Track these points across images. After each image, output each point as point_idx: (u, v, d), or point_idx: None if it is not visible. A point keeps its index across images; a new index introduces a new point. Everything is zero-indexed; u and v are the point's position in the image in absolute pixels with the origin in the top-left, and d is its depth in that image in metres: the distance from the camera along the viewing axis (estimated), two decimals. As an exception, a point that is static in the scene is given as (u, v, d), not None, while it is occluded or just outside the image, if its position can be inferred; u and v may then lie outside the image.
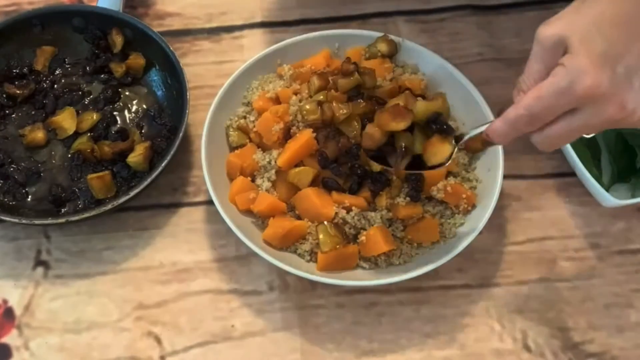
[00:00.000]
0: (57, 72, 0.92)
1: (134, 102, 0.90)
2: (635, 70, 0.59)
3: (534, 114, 0.61)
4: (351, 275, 0.76)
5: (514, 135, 0.64)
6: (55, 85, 0.91)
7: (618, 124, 0.61)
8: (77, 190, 0.84)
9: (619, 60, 0.59)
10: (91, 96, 0.90)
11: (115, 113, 0.89)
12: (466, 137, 0.70)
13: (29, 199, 0.84)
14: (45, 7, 0.94)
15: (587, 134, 0.64)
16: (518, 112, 0.62)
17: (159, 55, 0.89)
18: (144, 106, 0.90)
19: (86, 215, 0.78)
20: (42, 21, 0.92)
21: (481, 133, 0.68)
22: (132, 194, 0.78)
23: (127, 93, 0.91)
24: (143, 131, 0.88)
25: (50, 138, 0.87)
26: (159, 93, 0.91)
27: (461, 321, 0.78)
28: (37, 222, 0.78)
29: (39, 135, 0.86)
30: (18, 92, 0.89)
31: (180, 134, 0.81)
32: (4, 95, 0.89)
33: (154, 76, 0.91)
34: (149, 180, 0.79)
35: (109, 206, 0.78)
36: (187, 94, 0.84)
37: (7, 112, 0.89)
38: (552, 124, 0.61)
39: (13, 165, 0.85)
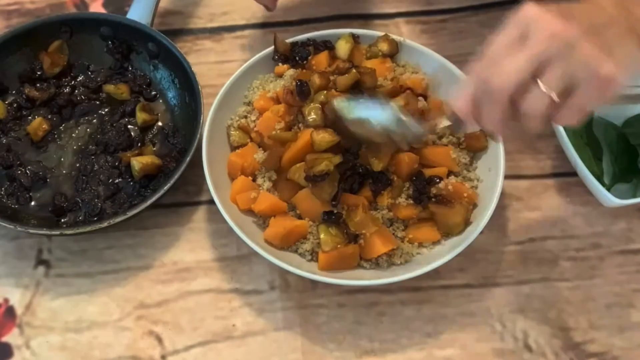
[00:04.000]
0: (80, 78, 0.92)
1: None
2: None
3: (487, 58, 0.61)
4: (352, 274, 0.76)
5: (471, 103, 0.62)
6: (75, 91, 0.91)
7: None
8: (79, 201, 0.83)
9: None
10: (109, 107, 0.90)
11: (130, 127, 0.88)
12: (440, 126, 0.69)
13: (32, 204, 0.84)
14: (74, 14, 0.95)
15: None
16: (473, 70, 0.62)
17: (180, 74, 0.89)
18: (160, 123, 0.90)
19: (81, 230, 0.78)
20: (70, 27, 0.91)
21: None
22: (129, 214, 0.77)
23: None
24: (155, 148, 0.87)
25: (63, 144, 0.87)
26: (177, 112, 0.90)
27: (462, 321, 0.78)
28: (31, 231, 0.78)
29: (44, 126, 0.86)
30: (37, 94, 0.89)
31: (188, 159, 0.80)
32: (24, 97, 0.89)
33: (174, 94, 0.91)
34: (150, 201, 0.78)
35: (105, 224, 0.77)
36: (202, 116, 0.82)
37: (24, 113, 0.89)
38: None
39: (21, 168, 0.85)
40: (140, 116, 0.88)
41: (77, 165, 0.86)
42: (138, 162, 0.82)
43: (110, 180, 0.85)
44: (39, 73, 0.91)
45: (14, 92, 0.90)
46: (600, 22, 0.59)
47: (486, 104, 0.61)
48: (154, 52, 0.91)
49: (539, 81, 0.59)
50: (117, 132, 0.87)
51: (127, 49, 0.92)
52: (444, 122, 0.69)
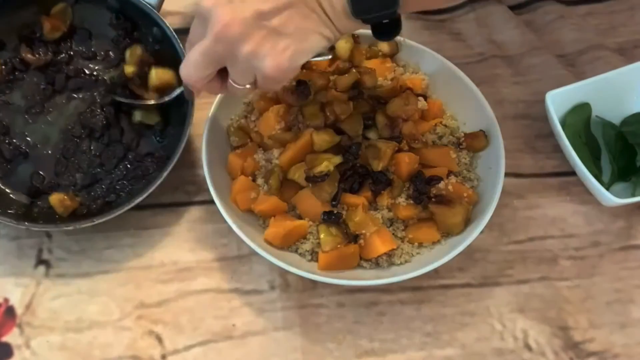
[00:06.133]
0: (79, 48, 0.89)
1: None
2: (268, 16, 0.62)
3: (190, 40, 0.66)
4: (352, 274, 0.76)
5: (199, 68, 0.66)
6: (73, 60, 0.88)
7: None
8: (56, 184, 0.83)
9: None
10: (105, 85, 0.87)
11: (121, 114, 0.86)
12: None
13: (12, 179, 0.83)
14: None
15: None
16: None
17: (177, 70, 0.86)
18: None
19: (46, 229, 0.78)
20: None
21: None
22: (96, 221, 0.76)
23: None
24: (140, 143, 0.85)
25: (52, 121, 0.86)
26: (169, 106, 0.86)
27: (462, 320, 0.78)
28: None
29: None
30: (32, 58, 0.86)
31: (171, 166, 0.78)
32: (18, 59, 0.86)
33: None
34: (126, 208, 0.77)
35: (71, 227, 0.77)
36: (191, 118, 0.79)
37: (17, 75, 0.86)
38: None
39: (6, 138, 0.84)
40: (139, 116, 0.86)
41: (61, 146, 0.84)
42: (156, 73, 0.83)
43: (90, 169, 0.84)
44: (38, 35, 0.87)
45: (11, 49, 0.87)
46: (269, 7, 0.61)
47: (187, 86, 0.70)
48: (158, 38, 0.87)
49: (229, 79, 0.66)
50: (106, 119, 0.85)
51: (132, 27, 0.89)
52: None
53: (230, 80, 0.67)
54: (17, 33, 0.87)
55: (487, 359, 0.76)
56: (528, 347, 0.76)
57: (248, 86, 0.66)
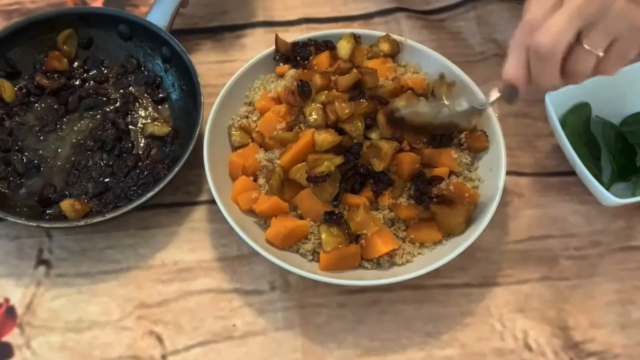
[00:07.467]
0: (92, 72, 0.93)
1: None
2: None
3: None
4: (353, 274, 0.76)
5: (523, 64, 0.65)
6: (86, 84, 0.92)
7: None
8: (67, 195, 0.83)
9: None
10: (116, 104, 0.90)
11: (131, 127, 0.89)
12: (491, 100, 0.74)
13: (22, 191, 0.84)
14: (94, 8, 0.96)
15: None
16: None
17: (187, 82, 0.88)
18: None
19: (57, 225, 0.78)
20: (88, 21, 0.92)
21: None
22: (107, 217, 0.77)
23: (150, 109, 0.91)
24: (151, 153, 0.87)
25: (63, 136, 0.88)
26: (179, 117, 0.89)
27: (462, 320, 0.78)
28: (10, 219, 0.78)
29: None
30: (47, 83, 0.90)
31: (177, 169, 0.80)
32: (34, 84, 0.90)
33: (178, 99, 0.91)
34: (131, 206, 0.78)
35: (82, 222, 0.77)
36: (198, 128, 0.82)
37: (32, 99, 0.90)
38: None
39: (18, 154, 0.86)
40: (150, 128, 0.88)
41: (72, 158, 0.86)
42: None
43: (101, 178, 0.85)
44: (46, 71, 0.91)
45: (26, 77, 0.91)
46: None
47: (540, 66, 0.64)
48: (167, 56, 0.91)
49: (584, 43, 0.61)
50: (117, 131, 0.87)
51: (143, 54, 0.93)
52: (494, 95, 0.73)
53: (583, 46, 0.62)
54: (32, 62, 0.91)
55: (487, 359, 0.76)
56: (528, 347, 0.77)
57: (599, 53, 0.62)
